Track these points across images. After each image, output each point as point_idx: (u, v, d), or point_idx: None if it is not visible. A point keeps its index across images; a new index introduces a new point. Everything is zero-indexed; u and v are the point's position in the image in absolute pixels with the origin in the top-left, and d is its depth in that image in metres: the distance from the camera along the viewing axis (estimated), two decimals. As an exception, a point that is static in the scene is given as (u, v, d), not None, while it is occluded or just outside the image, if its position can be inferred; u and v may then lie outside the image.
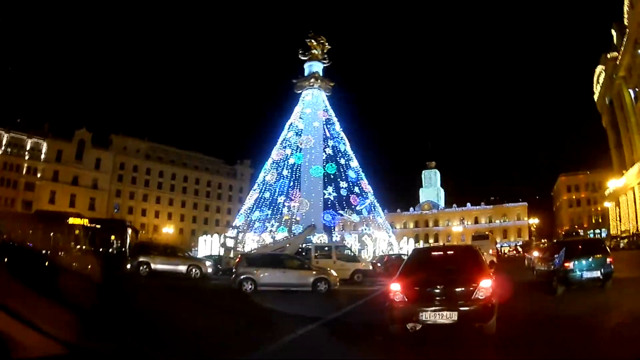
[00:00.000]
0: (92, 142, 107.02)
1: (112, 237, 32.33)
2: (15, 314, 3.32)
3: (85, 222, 32.72)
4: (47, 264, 21.95)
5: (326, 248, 36.69)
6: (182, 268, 33.78)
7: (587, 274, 18.34)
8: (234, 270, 26.35)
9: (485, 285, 10.16)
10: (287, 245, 39.44)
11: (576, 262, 18.53)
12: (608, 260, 18.67)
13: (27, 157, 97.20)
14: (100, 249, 30.80)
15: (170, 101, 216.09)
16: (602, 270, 18.32)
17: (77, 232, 31.22)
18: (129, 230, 33.03)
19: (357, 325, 14.13)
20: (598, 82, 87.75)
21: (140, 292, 24.52)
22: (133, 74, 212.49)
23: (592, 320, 12.37)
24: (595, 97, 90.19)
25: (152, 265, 33.25)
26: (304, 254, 37.47)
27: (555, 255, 19.95)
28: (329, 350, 10.57)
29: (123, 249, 31.66)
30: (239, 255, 30.29)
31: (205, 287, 29.65)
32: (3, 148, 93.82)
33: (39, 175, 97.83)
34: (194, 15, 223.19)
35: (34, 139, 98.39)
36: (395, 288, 10.66)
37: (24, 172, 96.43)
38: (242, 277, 24.42)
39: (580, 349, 9.16)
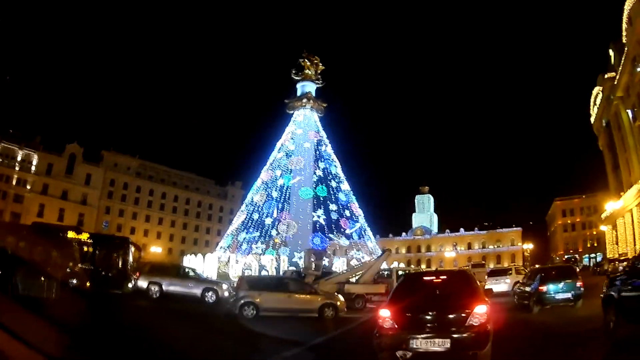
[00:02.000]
0: (83, 157, 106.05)
1: (114, 255, 31.32)
2: (4, 326, 3.30)
3: (85, 237, 31.69)
4: (42, 279, 20.88)
5: (405, 272, 35.39)
6: (197, 291, 31.19)
7: (560, 296, 21.46)
8: (233, 293, 25.06)
9: (480, 311, 9.78)
10: (363, 272, 38.09)
11: (550, 286, 21.67)
12: (578, 283, 21.74)
13: (17, 169, 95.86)
14: (100, 267, 29.99)
15: (162, 120, 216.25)
16: (573, 292, 21.38)
17: (75, 247, 29.85)
18: (132, 249, 31.86)
19: (346, 352, 14.39)
20: (595, 103, 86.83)
21: (136, 312, 23.61)
22: (126, 91, 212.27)
23: (558, 330, 15.89)
24: (592, 119, 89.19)
25: (164, 287, 30.92)
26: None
27: (531, 281, 23.62)
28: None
29: (125, 268, 30.55)
30: (239, 277, 29.05)
31: (210, 311, 27.88)
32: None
33: (28, 187, 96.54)
34: (188, 36, 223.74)
35: (25, 150, 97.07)
36: (385, 314, 10.24)
37: (14, 183, 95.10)
38: (242, 301, 22.93)
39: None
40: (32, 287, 18.43)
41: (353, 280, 36.09)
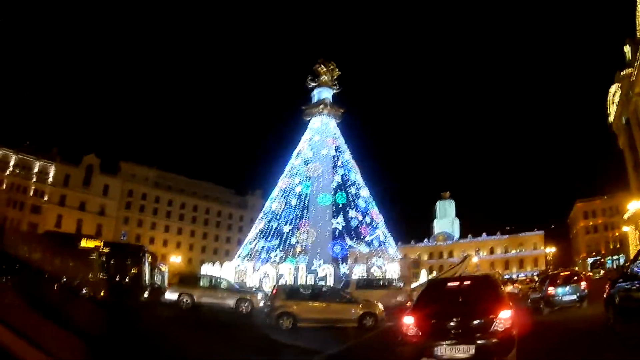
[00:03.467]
0: (101, 168, 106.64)
1: (129, 263, 30.30)
2: (21, 333, 3.26)
3: (99, 244, 30.78)
4: (55, 287, 20.31)
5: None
6: (230, 302, 30.61)
7: (566, 298, 23.80)
8: (268, 304, 24.04)
9: (505, 316, 9.61)
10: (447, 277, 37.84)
11: (558, 289, 24.11)
12: (583, 287, 23.93)
13: (34, 180, 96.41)
14: (115, 275, 29.08)
15: (180, 130, 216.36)
16: (578, 294, 23.58)
17: (89, 255, 29.00)
18: (148, 257, 31.02)
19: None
20: (613, 101, 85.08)
21: (157, 323, 22.86)
22: (143, 103, 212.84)
23: (565, 327, 17.52)
24: (611, 117, 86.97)
25: (196, 299, 30.46)
26: None
27: (542, 286, 26.37)
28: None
29: (140, 276, 29.66)
30: (275, 287, 27.88)
31: (242, 322, 26.82)
32: (11, 169, 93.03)
33: (45, 198, 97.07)
34: (204, 45, 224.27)
35: (42, 162, 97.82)
36: (409, 321, 10.09)
37: (31, 194, 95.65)
38: (278, 311, 22.06)
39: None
40: (36, 291, 17.98)
41: None
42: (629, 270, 14.14)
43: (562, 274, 28.39)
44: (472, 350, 9.22)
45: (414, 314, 10.29)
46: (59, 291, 20.66)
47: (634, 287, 12.51)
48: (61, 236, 35.60)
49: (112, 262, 29.65)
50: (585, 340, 13.52)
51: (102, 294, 26.64)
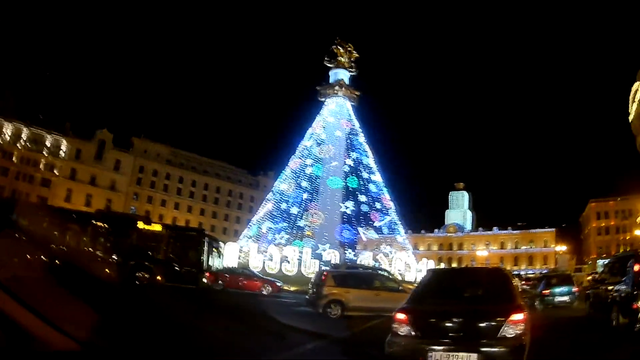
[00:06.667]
0: (113, 144, 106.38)
1: (188, 248, 29.46)
2: (37, 311, 3.25)
3: (159, 228, 30.44)
4: (107, 271, 20.19)
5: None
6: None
7: (559, 298, 26.89)
8: (313, 290, 22.22)
9: (517, 319, 8.06)
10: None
11: (551, 290, 27.34)
12: (574, 289, 27.44)
13: (45, 153, 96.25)
14: (174, 260, 28.31)
15: (194, 108, 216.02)
16: (570, 295, 26.79)
17: (147, 239, 28.58)
18: (208, 242, 30.21)
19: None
20: (634, 100, 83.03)
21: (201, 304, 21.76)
22: (157, 79, 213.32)
23: (556, 319, 20.20)
24: (630, 117, 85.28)
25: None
26: None
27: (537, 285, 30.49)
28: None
29: (199, 261, 28.80)
30: (324, 272, 24.74)
31: None
32: (22, 142, 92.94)
33: (56, 172, 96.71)
34: (219, 22, 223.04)
35: (54, 135, 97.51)
36: (401, 317, 8.69)
37: (42, 167, 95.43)
38: (327, 299, 20.77)
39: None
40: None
41: None
42: (597, 276, 20.27)
43: (556, 276, 32.16)
44: (473, 359, 7.80)
45: (408, 310, 9.01)
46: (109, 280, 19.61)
47: (598, 288, 17.57)
48: (114, 217, 34.54)
49: (171, 246, 29.12)
50: (569, 322, 19.11)
51: (159, 278, 26.27)
